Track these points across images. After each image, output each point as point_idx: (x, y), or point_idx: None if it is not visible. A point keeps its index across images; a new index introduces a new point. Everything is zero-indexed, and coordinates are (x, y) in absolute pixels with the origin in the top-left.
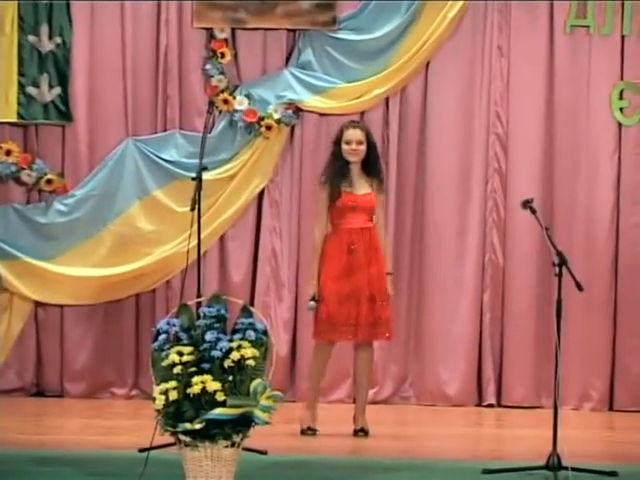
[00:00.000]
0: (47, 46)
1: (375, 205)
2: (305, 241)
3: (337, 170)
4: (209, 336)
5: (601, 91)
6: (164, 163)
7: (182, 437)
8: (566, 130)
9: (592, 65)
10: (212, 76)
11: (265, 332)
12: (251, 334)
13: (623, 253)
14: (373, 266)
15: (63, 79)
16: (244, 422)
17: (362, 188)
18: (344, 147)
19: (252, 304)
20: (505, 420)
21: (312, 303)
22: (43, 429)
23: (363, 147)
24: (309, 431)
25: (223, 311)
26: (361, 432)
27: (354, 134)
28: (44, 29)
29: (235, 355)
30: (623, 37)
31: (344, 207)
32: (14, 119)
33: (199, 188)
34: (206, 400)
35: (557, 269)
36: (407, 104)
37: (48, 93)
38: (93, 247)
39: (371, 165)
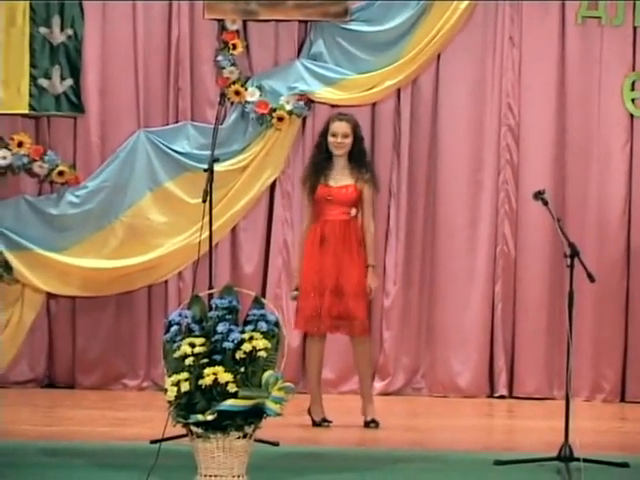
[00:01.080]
0: (59, 38)
1: (352, 198)
2: None
3: (317, 164)
4: (221, 327)
5: (613, 82)
6: (175, 155)
7: (194, 428)
8: (578, 121)
9: (604, 56)
10: (224, 68)
11: (277, 323)
12: (263, 325)
13: (635, 244)
14: (346, 259)
15: (75, 71)
16: (256, 413)
17: (342, 180)
18: (330, 139)
19: (264, 295)
20: (517, 411)
21: (294, 293)
22: (55, 420)
23: (349, 140)
24: (324, 422)
25: (235, 302)
26: (372, 423)
27: (340, 127)
28: (56, 21)
29: (247, 346)
30: (635, 28)
31: (320, 199)
32: (26, 111)
33: (211, 180)
34: (218, 391)
35: (569, 260)
36: (419, 95)
37: (60, 85)
38: (105, 239)
39: (356, 158)
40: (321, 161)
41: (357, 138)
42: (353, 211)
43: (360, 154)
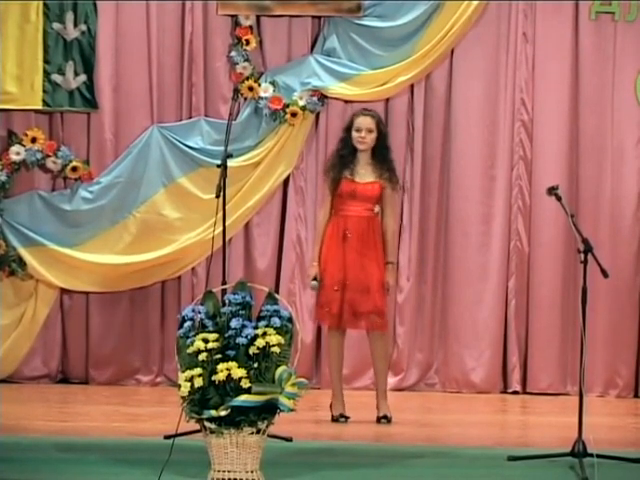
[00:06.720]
0: (72, 34)
1: (377, 195)
2: None
3: (341, 157)
4: (234, 323)
5: (626, 78)
6: (189, 150)
7: (207, 424)
8: (591, 117)
9: (617, 52)
10: (237, 63)
11: (290, 319)
12: (276, 321)
13: None
14: (368, 256)
15: (88, 66)
16: (269, 409)
17: (367, 177)
18: (354, 134)
19: (277, 291)
20: (530, 407)
21: (315, 282)
22: (68, 416)
23: (373, 135)
24: (341, 418)
25: (248, 298)
26: (384, 419)
27: (364, 122)
28: (69, 17)
29: (260, 342)
30: None
31: (343, 194)
32: (39, 106)
33: (224, 175)
34: (231, 387)
35: (582, 256)
36: (432, 91)
37: (73, 80)
38: (118, 234)
39: (379, 154)
40: (345, 155)
41: (381, 134)
42: (377, 208)
43: (383, 151)
